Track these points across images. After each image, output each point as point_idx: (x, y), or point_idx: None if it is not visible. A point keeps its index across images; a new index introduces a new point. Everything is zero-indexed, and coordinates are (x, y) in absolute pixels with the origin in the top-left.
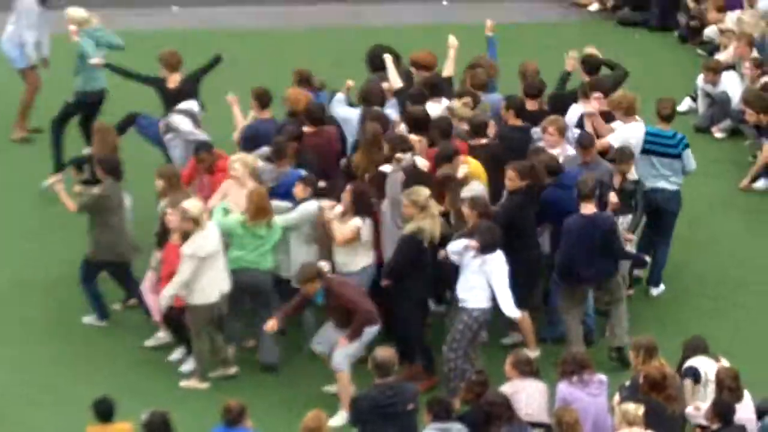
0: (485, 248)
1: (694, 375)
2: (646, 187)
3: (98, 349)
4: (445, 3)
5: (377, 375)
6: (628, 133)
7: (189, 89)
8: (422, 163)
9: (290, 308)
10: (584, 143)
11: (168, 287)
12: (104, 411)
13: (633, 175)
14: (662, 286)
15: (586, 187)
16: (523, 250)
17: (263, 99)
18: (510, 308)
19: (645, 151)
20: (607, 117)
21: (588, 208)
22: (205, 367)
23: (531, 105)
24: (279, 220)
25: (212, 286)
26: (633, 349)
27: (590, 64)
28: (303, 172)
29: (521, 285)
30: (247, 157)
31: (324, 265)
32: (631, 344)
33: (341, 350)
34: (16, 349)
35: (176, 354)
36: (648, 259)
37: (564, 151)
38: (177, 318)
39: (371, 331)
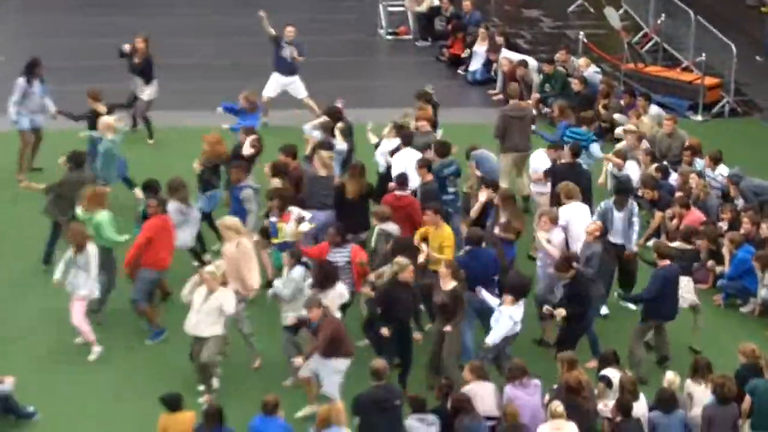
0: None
1: (608, 382)
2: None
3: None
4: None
5: (374, 379)
6: (569, 211)
7: None
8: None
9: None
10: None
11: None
12: (172, 402)
13: None
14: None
15: (667, 251)
16: None
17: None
18: None
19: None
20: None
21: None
22: None
23: None
24: None
25: None
26: (558, 361)
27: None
28: None
29: None
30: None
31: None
32: (558, 357)
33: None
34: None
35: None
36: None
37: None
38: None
39: (339, 362)
